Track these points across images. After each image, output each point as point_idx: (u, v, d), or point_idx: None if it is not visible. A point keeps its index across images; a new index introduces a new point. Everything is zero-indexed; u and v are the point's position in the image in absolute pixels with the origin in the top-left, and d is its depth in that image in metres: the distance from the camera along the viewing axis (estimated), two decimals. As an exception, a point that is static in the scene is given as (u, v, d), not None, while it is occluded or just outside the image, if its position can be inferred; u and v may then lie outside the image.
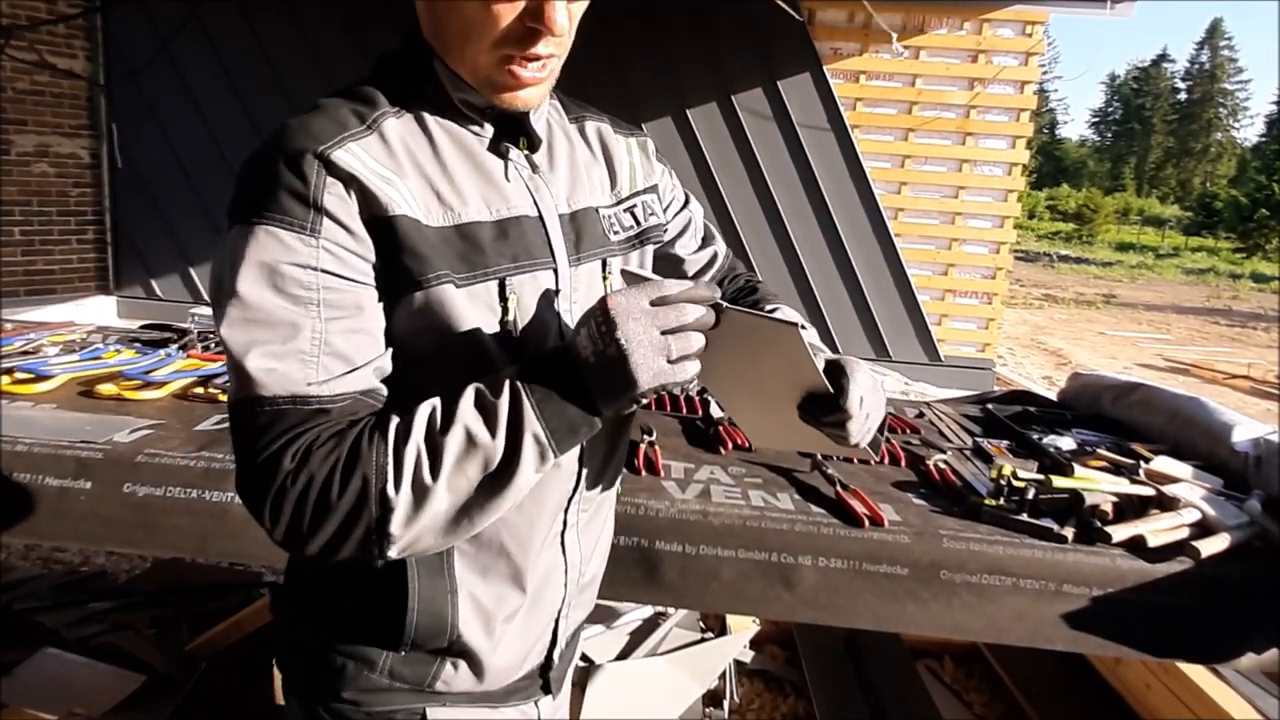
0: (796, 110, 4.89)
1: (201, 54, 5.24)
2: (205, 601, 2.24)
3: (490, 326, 0.69)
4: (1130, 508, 1.24)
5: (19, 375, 1.52)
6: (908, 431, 1.65)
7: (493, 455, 0.61)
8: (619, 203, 0.85)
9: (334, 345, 0.63)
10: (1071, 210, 38.26)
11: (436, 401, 0.64)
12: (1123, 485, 1.27)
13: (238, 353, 0.61)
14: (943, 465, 1.41)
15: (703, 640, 2.02)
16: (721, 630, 2.13)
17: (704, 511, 1.18)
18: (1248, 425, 1.43)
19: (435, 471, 0.61)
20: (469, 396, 0.63)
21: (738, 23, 4.78)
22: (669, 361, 0.61)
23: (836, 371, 0.76)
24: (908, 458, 1.48)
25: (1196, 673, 1.65)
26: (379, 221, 0.64)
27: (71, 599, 2.24)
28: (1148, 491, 1.25)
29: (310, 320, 0.62)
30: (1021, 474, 1.30)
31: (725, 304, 0.65)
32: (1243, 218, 30.93)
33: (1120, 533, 1.15)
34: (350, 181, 0.63)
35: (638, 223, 0.86)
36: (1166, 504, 1.22)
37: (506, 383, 0.63)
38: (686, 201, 0.98)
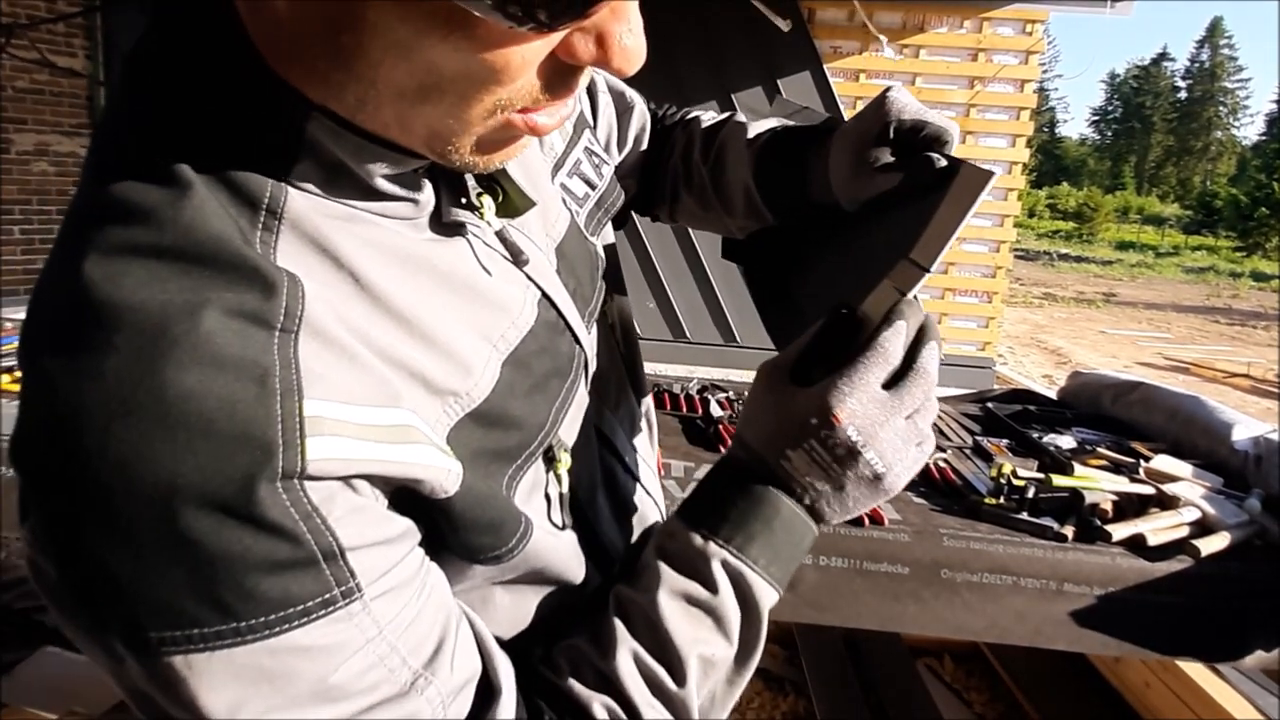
0: (796, 109, 4.88)
1: (201, 53, 5.24)
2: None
3: (541, 507, 0.48)
4: (1130, 506, 1.24)
5: (18, 374, 1.52)
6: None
7: (728, 657, 0.47)
8: (559, 165, 0.59)
9: (454, 684, 0.40)
10: (1071, 209, 38.33)
11: (628, 639, 0.45)
12: (1123, 484, 1.27)
13: None
14: (943, 464, 1.41)
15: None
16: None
17: (704, 510, 1.18)
18: (1247, 424, 1.43)
19: None
20: (675, 607, 0.45)
21: (738, 21, 4.78)
22: (917, 445, 0.47)
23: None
24: (908, 456, 1.48)
25: (1196, 671, 1.65)
26: (422, 502, 0.39)
27: (72, 598, 2.24)
28: (1148, 490, 1.25)
29: (416, 692, 0.38)
30: (1021, 473, 1.30)
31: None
32: (1242, 216, 30.96)
33: (1120, 531, 1.15)
34: (351, 479, 0.35)
35: (591, 185, 0.61)
36: (1166, 502, 1.22)
37: (716, 564, 0.46)
38: (591, 85, 0.70)
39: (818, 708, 1.96)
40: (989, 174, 0.47)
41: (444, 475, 0.38)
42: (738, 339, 5.04)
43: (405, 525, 0.39)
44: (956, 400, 2.02)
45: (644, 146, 0.76)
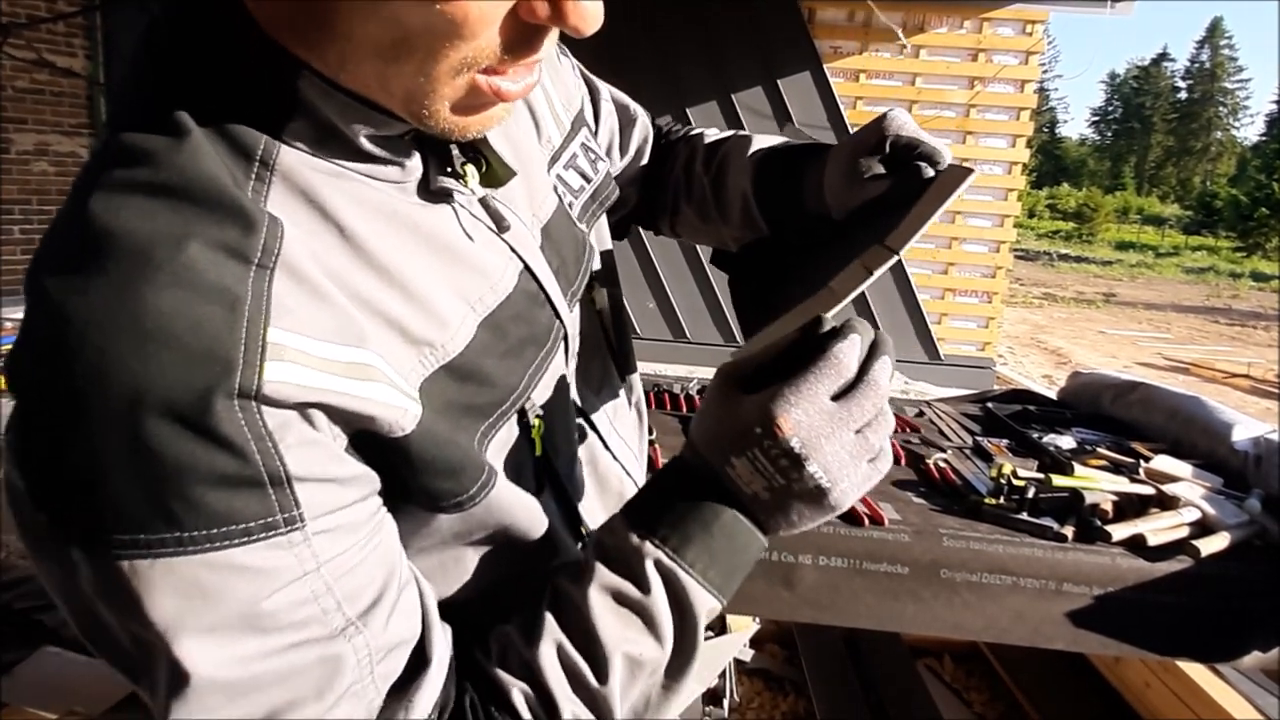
0: (796, 109, 4.88)
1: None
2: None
3: (513, 467, 0.49)
4: (1130, 506, 1.23)
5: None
6: (908, 430, 1.65)
7: (662, 661, 0.46)
8: (555, 158, 0.61)
9: (385, 643, 0.40)
10: (1071, 209, 38.35)
11: (555, 630, 0.45)
12: (1123, 484, 1.27)
13: None
14: (943, 464, 1.41)
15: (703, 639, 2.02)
16: (721, 629, 2.13)
17: (704, 510, 1.18)
18: (1247, 424, 1.43)
19: None
20: (605, 604, 0.45)
21: (737, 21, 4.78)
22: (870, 460, 0.46)
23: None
24: (908, 456, 1.48)
25: (1196, 671, 1.65)
26: (379, 442, 0.40)
27: (71, 598, 2.24)
28: (1147, 490, 1.25)
29: (345, 638, 0.38)
30: (1021, 473, 1.30)
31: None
32: (1242, 216, 30.96)
33: (1120, 531, 1.15)
34: (307, 407, 0.37)
35: (586, 179, 0.63)
36: (1166, 503, 1.22)
37: (649, 564, 0.45)
38: (597, 97, 0.73)
39: (818, 708, 1.96)
40: (969, 170, 0.49)
41: (399, 414, 0.40)
42: (738, 339, 5.04)
43: (360, 471, 0.40)
44: (956, 400, 2.02)
45: (645, 158, 0.78)
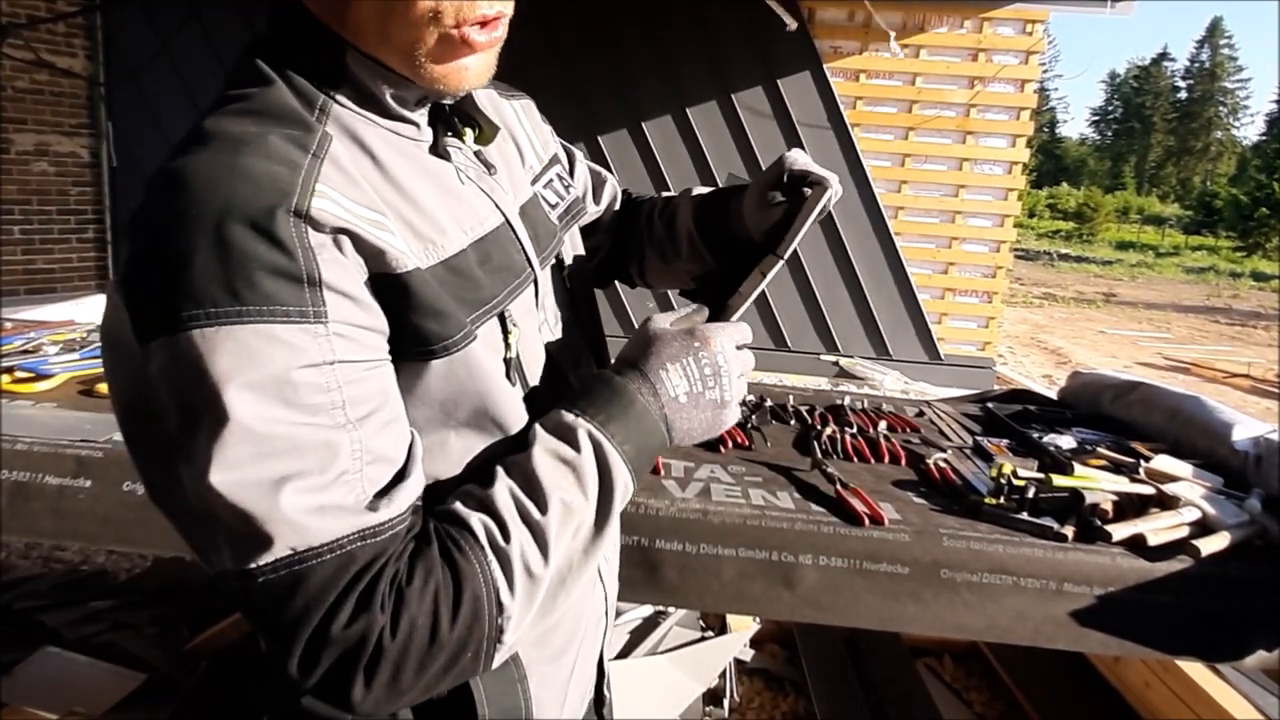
0: (796, 109, 4.88)
1: (201, 54, 5.24)
2: (206, 600, 2.25)
3: (497, 368, 0.60)
4: (1130, 506, 1.23)
5: (19, 374, 1.52)
6: (908, 430, 1.65)
7: (587, 517, 0.56)
8: (535, 179, 0.76)
9: (375, 450, 0.50)
10: (1071, 209, 38.33)
11: (505, 478, 0.55)
12: (1123, 484, 1.27)
13: (255, 502, 0.44)
14: (943, 464, 1.41)
15: (703, 639, 2.02)
16: (721, 629, 2.13)
17: (704, 510, 1.18)
18: (1248, 424, 1.43)
19: (545, 556, 0.53)
20: (546, 459, 0.55)
21: (738, 21, 4.78)
22: (740, 403, 0.65)
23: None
24: (908, 456, 1.48)
25: (1196, 671, 1.65)
26: (387, 281, 0.52)
27: (72, 598, 2.24)
28: (1148, 490, 1.25)
29: (345, 431, 0.48)
30: (1021, 472, 1.30)
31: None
32: (1243, 216, 30.93)
33: (1120, 531, 1.15)
34: (342, 235, 0.50)
35: (560, 197, 0.79)
36: (1167, 503, 1.22)
37: (583, 433, 0.57)
38: (572, 156, 0.90)
39: (818, 708, 1.96)
40: (826, 188, 0.71)
41: (402, 254, 0.52)
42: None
43: (374, 304, 0.52)
44: (956, 400, 2.01)
45: (616, 207, 0.96)
